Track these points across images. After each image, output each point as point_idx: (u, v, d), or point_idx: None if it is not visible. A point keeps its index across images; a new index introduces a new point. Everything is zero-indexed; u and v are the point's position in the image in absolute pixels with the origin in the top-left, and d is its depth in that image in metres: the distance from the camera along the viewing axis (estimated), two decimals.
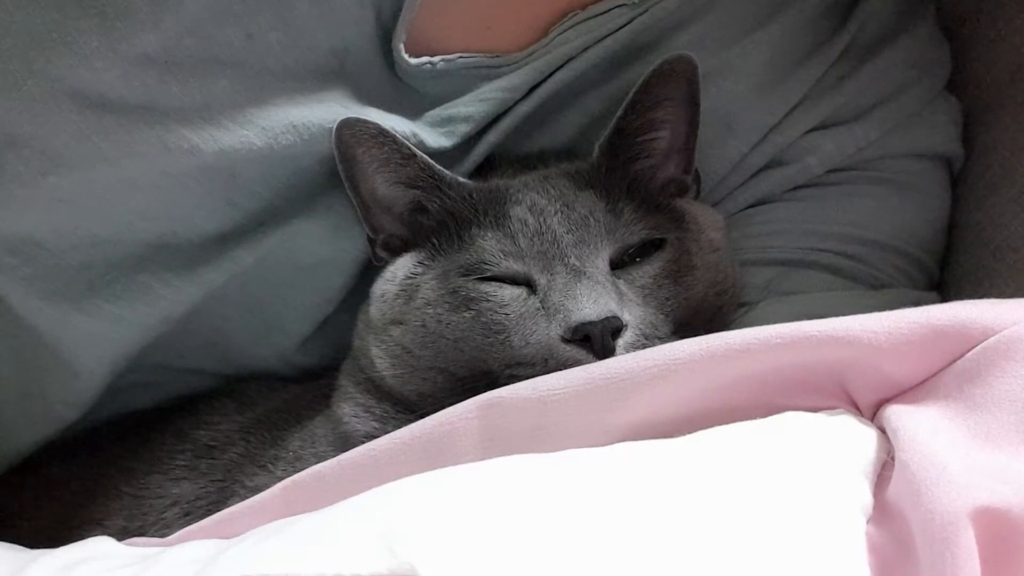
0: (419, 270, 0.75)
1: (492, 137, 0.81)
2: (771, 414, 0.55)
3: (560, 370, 0.62)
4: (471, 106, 0.79)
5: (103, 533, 0.69)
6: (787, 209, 0.83)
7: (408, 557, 0.44)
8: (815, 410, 0.56)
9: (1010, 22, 0.82)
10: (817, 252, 0.82)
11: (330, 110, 0.75)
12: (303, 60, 0.74)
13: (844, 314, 0.56)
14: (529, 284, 0.71)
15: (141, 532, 0.76)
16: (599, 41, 0.79)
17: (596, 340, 0.66)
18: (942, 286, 0.86)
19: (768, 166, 0.83)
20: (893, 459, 0.52)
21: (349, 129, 0.74)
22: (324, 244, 0.80)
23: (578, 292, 0.67)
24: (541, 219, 0.72)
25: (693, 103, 0.77)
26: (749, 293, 0.80)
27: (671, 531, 0.47)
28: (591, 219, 0.72)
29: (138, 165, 0.71)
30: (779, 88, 0.82)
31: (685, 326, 0.71)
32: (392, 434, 0.61)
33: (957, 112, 0.86)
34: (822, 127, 0.82)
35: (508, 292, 0.71)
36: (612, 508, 0.48)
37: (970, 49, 0.86)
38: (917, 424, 0.51)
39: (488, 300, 0.70)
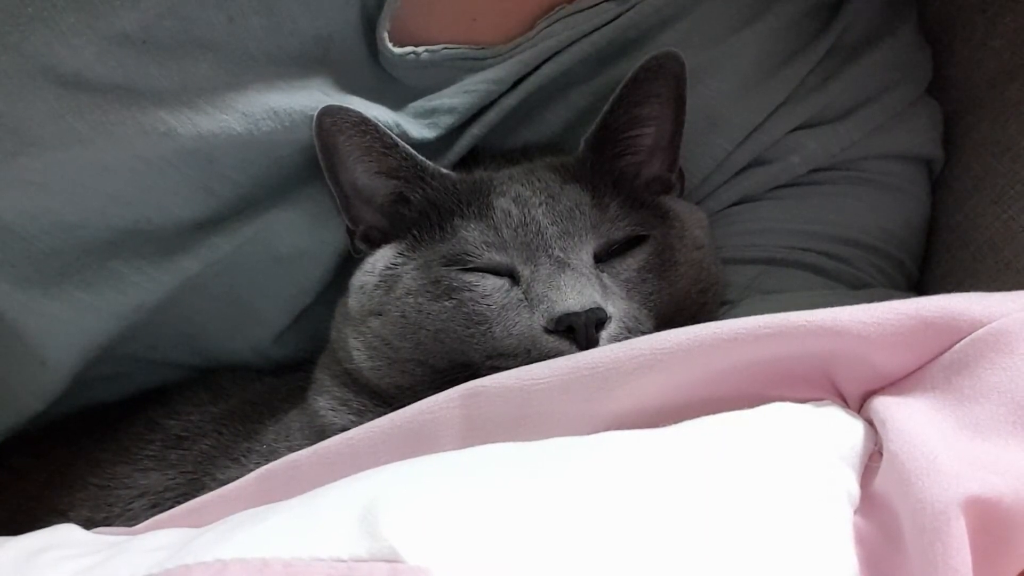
0: (400, 260, 0.74)
1: (476, 130, 0.80)
2: (758, 405, 0.54)
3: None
4: (455, 98, 0.78)
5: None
6: (770, 208, 0.84)
7: (389, 540, 0.42)
8: (802, 401, 0.55)
9: (991, 27, 0.83)
10: (799, 251, 0.82)
11: (312, 97, 0.74)
12: (285, 46, 0.73)
13: None
14: (512, 275, 0.70)
15: (107, 523, 0.73)
16: (586, 36, 0.79)
17: (580, 331, 0.65)
18: (922, 287, 0.86)
19: (752, 164, 0.84)
20: (880, 451, 0.52)
21: (330, 117, 0.72)
22: (303, 234, 0.78)
23: (562, 283, 0.67)
24: (525, 210, 0.71)
25: (679, 100, 0.77)
26: (732, 291, 0.80)
27: (655, 519, 0.46)
28: (576, 212, 0.71)
29: (113, 147, 0.70)
30: (764, 87, 0.82)
31: (668, 323, 0.70)
32: (371, 423, 0.60)
33: (938, 115, 0.87)
34: (806, 126, 0.83)
35: (491, 282, 0.70)
36: (595, 494, 0.47)
37: (951, 53, 0.87)
38: (906, 415, 0.50)
39: (470, 290, 0.69)
